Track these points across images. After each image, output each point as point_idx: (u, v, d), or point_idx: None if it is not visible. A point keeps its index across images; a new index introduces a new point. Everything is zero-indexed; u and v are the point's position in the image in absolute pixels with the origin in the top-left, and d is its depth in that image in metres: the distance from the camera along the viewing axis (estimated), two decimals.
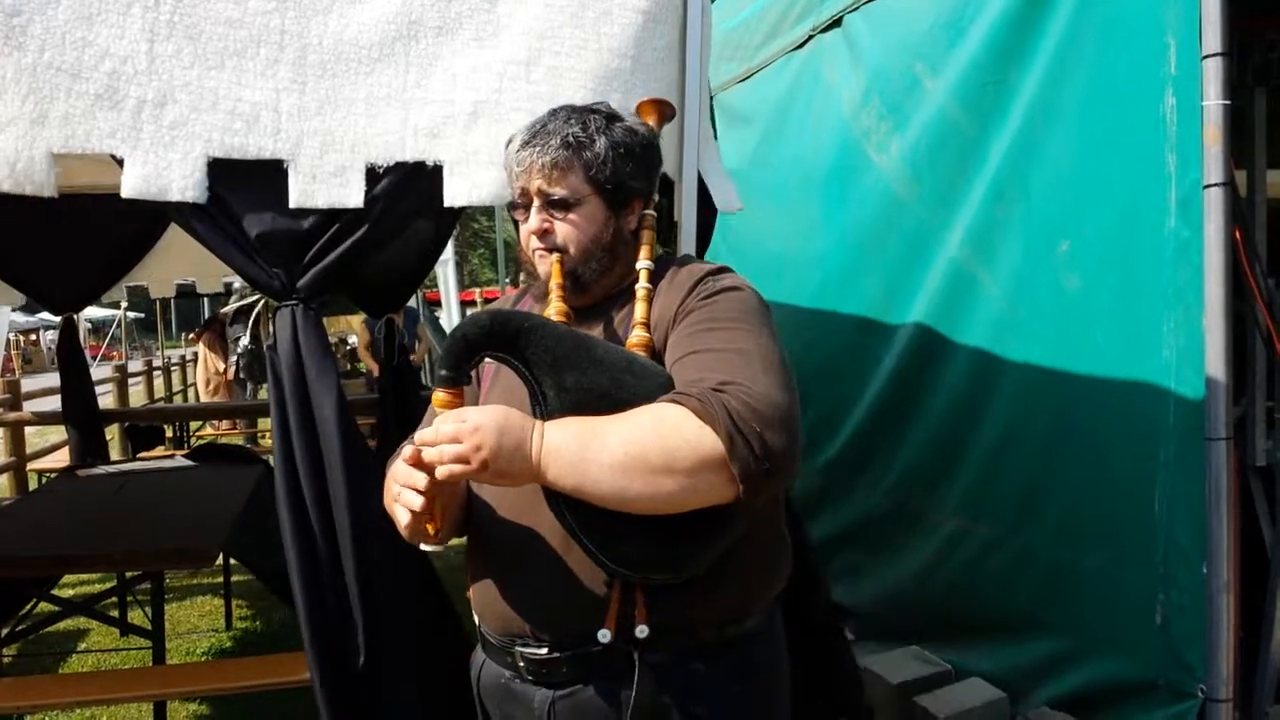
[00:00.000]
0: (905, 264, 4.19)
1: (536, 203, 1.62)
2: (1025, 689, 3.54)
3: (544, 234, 1.62)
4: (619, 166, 1.62)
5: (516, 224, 1.69)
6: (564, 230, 1.61)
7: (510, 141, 1.68)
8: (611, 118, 1.67)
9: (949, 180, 3.91)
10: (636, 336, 1.54)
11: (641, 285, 1.61)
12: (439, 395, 1.40)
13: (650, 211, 1.71)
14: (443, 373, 1.40)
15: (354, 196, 2.12)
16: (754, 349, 1.43)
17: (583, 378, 1.39)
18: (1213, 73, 2.82)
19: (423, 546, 1.44)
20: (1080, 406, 3.34)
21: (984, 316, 3.76)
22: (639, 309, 1.58)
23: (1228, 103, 2.82)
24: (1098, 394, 3.26)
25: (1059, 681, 3.41)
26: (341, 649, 2.23)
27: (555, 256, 1.61)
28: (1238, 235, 2.91)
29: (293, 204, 2.10)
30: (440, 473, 1.33)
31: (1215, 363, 2.87)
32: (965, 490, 3.88)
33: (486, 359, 1.49)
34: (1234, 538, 2.91)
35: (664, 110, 1.89)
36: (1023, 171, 3.55)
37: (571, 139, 1.60)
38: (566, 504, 1.38)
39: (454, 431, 1.32)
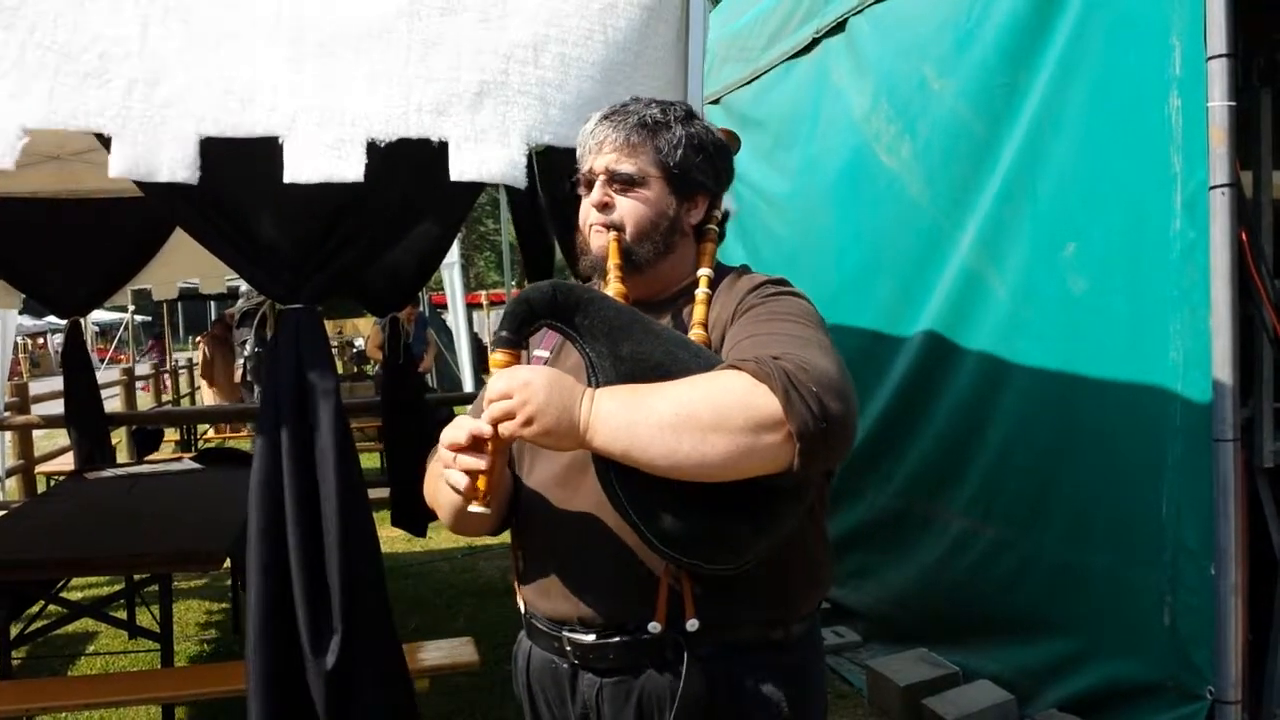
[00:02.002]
0: (919, 266, 4.19)
1: (602, 177, 1.64)
2: (1033, 691, 3.53)
3: (604, 207, 1.64)
4: (689, 156, 1.64)
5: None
6: (625, 206, 1.63)
7: (589, 120, 1.71)
8: (690, 114, 1.71)
9: (961, 182, 3.92)
10: (694, 335, 1.56)
11: (701, 290, 1.63)
12: (497, 356, 1.41)
13: (713, 227, 1.73)
14: (502, 334, 1.41)
15: (353, 170, 2.00)
16: (812, 338, 1.44)
17: (638, 348, 1.40)
18: (1218, 74, 2.82)
19: (471, 508, 1.43)
20: (1087, 408, 3.34)
21: (992, 318, 3.77)
22: (697, 311, 1.60)
23: (1233, 104, 2.82)
24: (1105, 396, 3.26)
25: (1067, 683, 3.41)
26: (291, 655, 2.23)
27: (613, 235, 1.62)
28: (1243, 237, 2.90)
29: (288, 178, 1.99)
30: (501, 430, 1.34)
31: (1222, 364, 2.87)
32: (974, 491, 3.88)
33: (540, 345, 1.47)
34: (1242, 539, 2.90)
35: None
36: (1031, 173, 3.55)
37: (649, 119, 1.63)
38: (617, 474, 1.38)
39: (506, 386, 1.34)
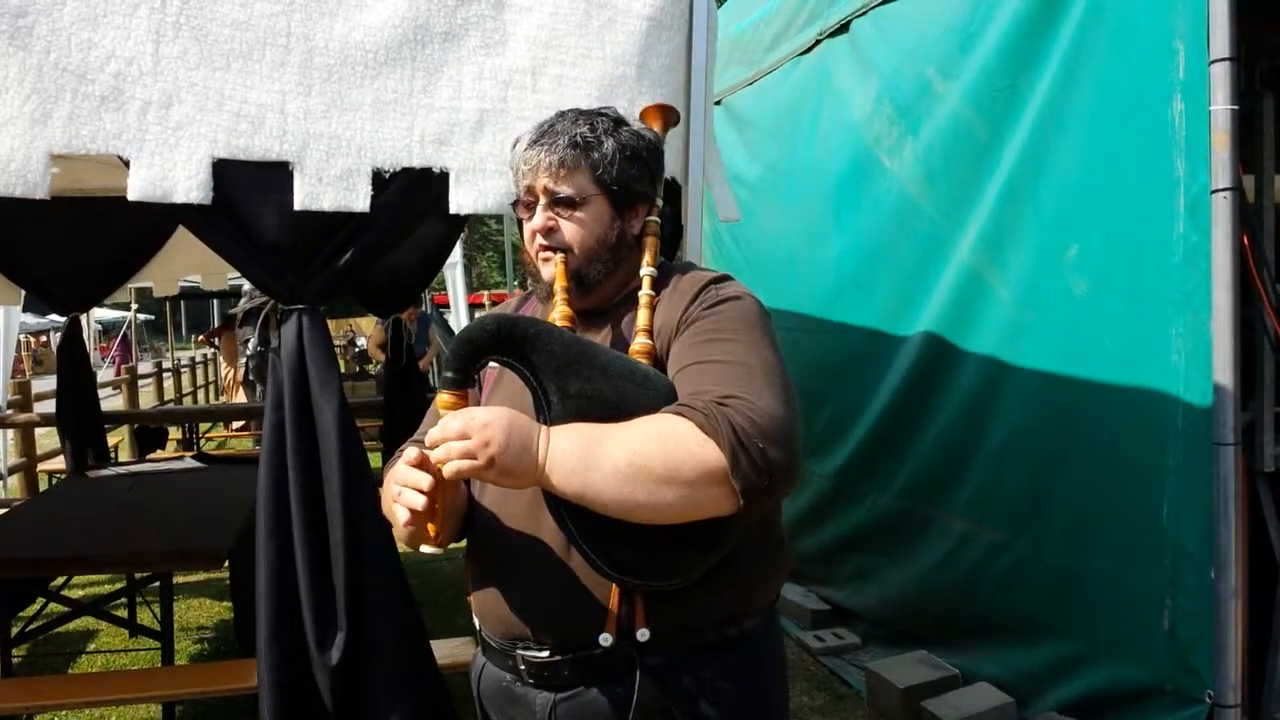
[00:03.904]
0: (918, 267, 4.19)
1: (542, 201, 1.62)
2: (1032, 693, 3.53)
3: (549, 232, 1.62)
4: (625, 168, 1.63)
5: (521, 225, 1.69)
6: (569, 229, 1.61)
7: (517, 142, 1.69)
8: (618, 121, 1.69)
9: (962, 184, 3.91)
10: (639, 344, 1.55)
11: (644, 292, 1.61)
12: (444, 397, 1.40)
13: (654, 218, 1.72)
14: (448, 374, 1.41)
15: (360, 201, 2.11)
16: (756, 362, 1.44)
17: (586, 385, 1.40)
18: (1220, 78, 2.82)
19: (422, 549, 1.44)
20: (1088, 411, 3.34)
21: (994, 321, 3.76)
22: (642, 316, 1.58)
23: (1235, 108, 2.82)
24: (1106, 399, 3.26)
25: (1066, 686, 3.41)
26: (302, 652, 2.23)
27: (560, 258, 1.61)
28: (1245, 240, 2.90)
29: (298, 206, 2.09)
30: (448, 469, 1.33)
31: (1223, 368, 2.87)
32: (974, 493, 3.88)
33: (490, 364, 1.49)
34: (1242, 543, 2.90)
35: (668, 116, 1.90)
36: (1033, 175, 3.55)
37: (580, 139, 1.61)
38: (567, 510, 1.39)
39: (463, 428, 1.33)
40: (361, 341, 17.03)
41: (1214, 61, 2.82)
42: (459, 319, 9.56)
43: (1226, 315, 2.86)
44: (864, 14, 4.55)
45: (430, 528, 1.41)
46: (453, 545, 1.53)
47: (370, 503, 2.27)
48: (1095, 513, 3.32)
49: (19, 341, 10.35)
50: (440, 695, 2.42)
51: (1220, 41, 2.81)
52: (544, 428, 1.38)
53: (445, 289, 10.85)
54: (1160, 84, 3.02)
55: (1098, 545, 3.30)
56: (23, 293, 5.59)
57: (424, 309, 10.56)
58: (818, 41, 4.98)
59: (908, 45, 4.26)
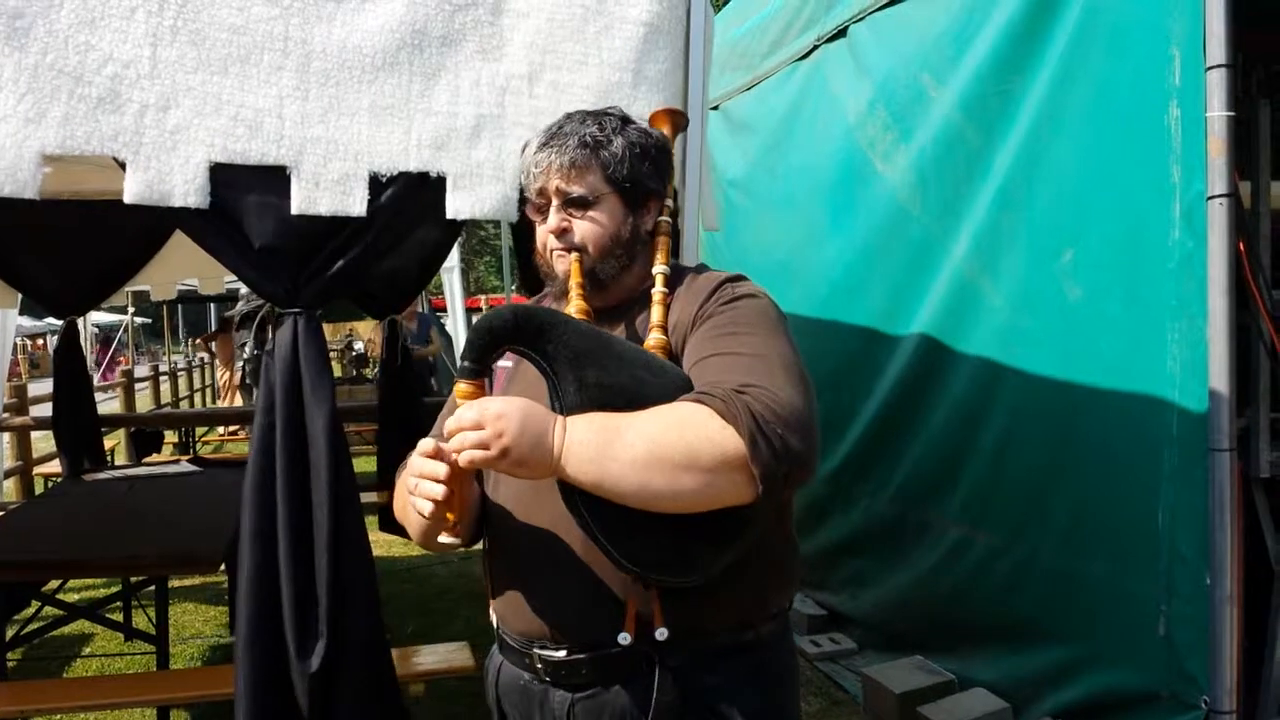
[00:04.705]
0: (911, 272, 4.19)
1: (555, 202, 1.63)
2: (1028, 699, 3.54)
3: (563, 233, 1.63)
4: (636, 165, 1.64)
5: (532, 228, 1.70)
6: (583, 228, 1.62)
7: (526, 146, 1.70)
8: (625, 120, 1.70)
9: (954, 190, 3.92)
10: (654, 339, 1.55)
11: (658, 289, 1.62)
12: (461, 386, 1.40)
13: (666, 217, 1.73)
14: (465, 364, 1.41)
15: (357, 205, 2.11)
16: (773, 354, 1.44)
17: (603, 375, 1.40)
18: (1216, 84, 2.82)
19: (441, 539, 1.43)
20: (1084, 417, 3.34)
21: (988, 326, 3.77)
22: (656, 312, 1.59)
23: (1231, 114, 2.82)
24: (1101, 404, 3.26)
25: (1062, 691, 3.41)
26: (280, 658, 2.23)
27: (574, 256, 1.62)
28: (1241, 247, 2.91)
29: (295, 210, 2.08)
30: (462, 459, 1.33)
31: (1219, 374, 2.87)
32: (968, 498, 3.88)
33: (503, 357, 1.50)
34: (1237, 549, 2.90)
35: (678, 120, 1.91)
36: (1027, 181, 3.55)
37: (589, 138, 1.62)
38: (584, 501, 1.38)
39: (477, 418, 1.33)
40: (359, 345, 17.02)
41: (1210, 68, 2.83)
42: (456, 323, 9.57)
43: (1222, 321, 2.86)
44: (861, 19, 4.56)
45: (449, 516, 1.40)
46: (460, 549, 1.53)
47: (354, 511, 2.27)
48: (1090, 518, 3.32)
49: (15, 345, 10.34)
50: (400, 700, 2.45)
51: (1216, 48, 2.81)
52: (559, 418, 1.37)
53: (442, 292, 10.88)
54: (1156, 90, 3.02)
55: (1093, 550, 3.30)
56: (19, 295, 5.57)
57: (423, 310, 10.56)
58: (815, 47, 4.99)
59: (903, 50, 4.27)
